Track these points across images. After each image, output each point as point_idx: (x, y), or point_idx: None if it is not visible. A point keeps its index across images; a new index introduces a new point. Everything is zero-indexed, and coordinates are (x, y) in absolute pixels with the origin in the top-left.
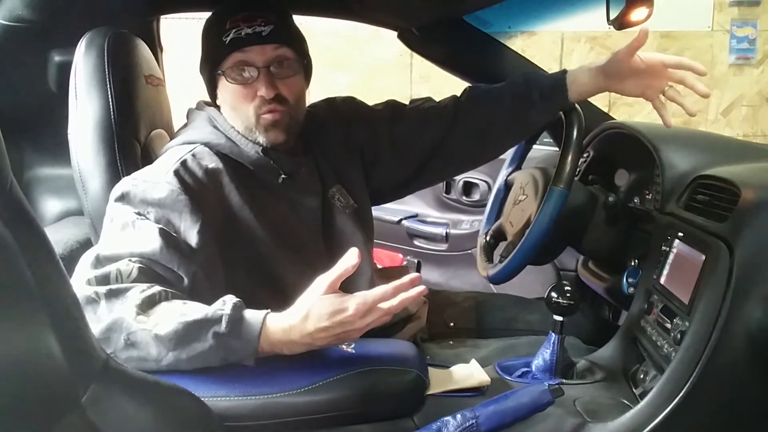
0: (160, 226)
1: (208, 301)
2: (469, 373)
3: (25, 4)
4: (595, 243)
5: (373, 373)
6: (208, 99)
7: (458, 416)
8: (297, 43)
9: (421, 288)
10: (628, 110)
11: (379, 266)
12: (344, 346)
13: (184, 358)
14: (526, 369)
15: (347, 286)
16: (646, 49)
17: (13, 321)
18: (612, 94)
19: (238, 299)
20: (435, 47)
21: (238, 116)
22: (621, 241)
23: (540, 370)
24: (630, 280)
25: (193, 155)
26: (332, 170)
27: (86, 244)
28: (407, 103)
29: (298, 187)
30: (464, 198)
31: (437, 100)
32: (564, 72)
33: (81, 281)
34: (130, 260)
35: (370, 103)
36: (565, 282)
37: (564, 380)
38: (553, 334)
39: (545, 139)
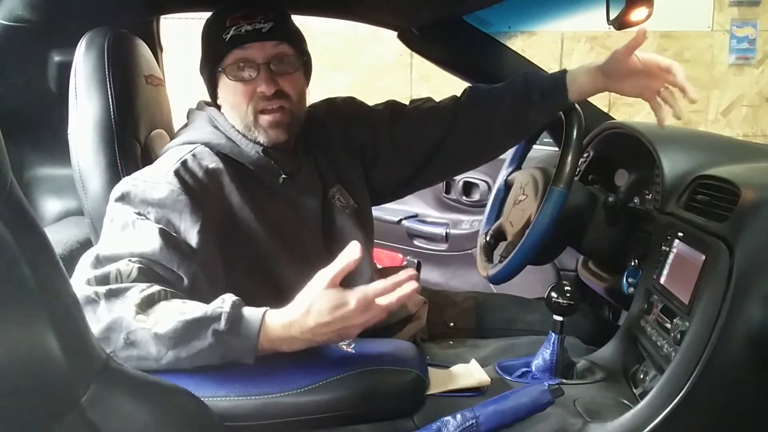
0: (160, 226)
1: (208, 301)
2: (469, 373)
3: (25, 4)
4: (595, 243)
5: (373, 373)
6: (208, 99)
7: (458, 416)
8: (297, 40)
9: (415, 285)
10: (628, 110)
11: (379, 266)
12: (344, 346)
13: (184, 356)
14: (526, 369)
15: (347, 285)
16: (646, 48)
17: (13, 321)
18: (612, 94)
19: (237, 297)
20: (435, 47)
21: (238, 114)
22: (621, 241)
23: (540, 370)
24: (630, 280)
25: (194, 155)
26: (332, 170)
27: (86, 244)
28: (407, 103)
29: (298, 187)
30: (464, 198)
31: (437, 100)
32: (564, 72)
33: (81, 281)
34: (129, 260)
35: (370, 103)
36: (565, 282)
37: (564, 380)
38: (553, 334)
39: (545, 139)
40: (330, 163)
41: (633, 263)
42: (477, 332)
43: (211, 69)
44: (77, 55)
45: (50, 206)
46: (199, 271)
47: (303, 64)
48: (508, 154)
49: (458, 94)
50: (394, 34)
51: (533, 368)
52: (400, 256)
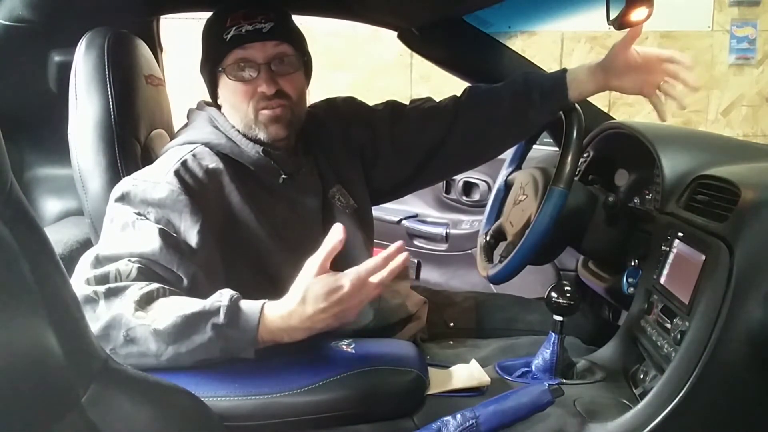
0: (160, 226)
1: None
2: (469, 373)
3: (25, 4)
4: (595, 243)
5: (373, 373)
6: (208, 99)
7: (458, 416)
8: (297, 40)
9: (405, 255)
10: (628, 110)
11: None
12: (344, 346)
13: (184, 351)
14: (526, 369)
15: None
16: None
17: (13, 321)
18: (612, 94)
19: (235, 292)
20: (435, 47)
21: (238, 114)
22: (621, 241)
23: (540, 370)
24: (630, 280)
25: (194, 155)
26: (332, 170)
27: (86, 244)
28: (407, 103)
29: (298, 187)
30: (464, 198)
31: (437, 100)
32: (564, 71)
33: (80, 281)
34: (129, 260)
35: (370, 103)
36: (565, 282)
37: (564, 380)
38: (553, 334)
39: (545, 139)
40: (330, 163)
41: (633, 263)
42: (477, 332)
43: (212, 69)
44: (77, 55)
45: (50, 206)
46: (198, 271)
47: (303, 64)
48: (508, 154)
49: (458, 94)
50: (394, 34)
51: (533, 368)
52: None
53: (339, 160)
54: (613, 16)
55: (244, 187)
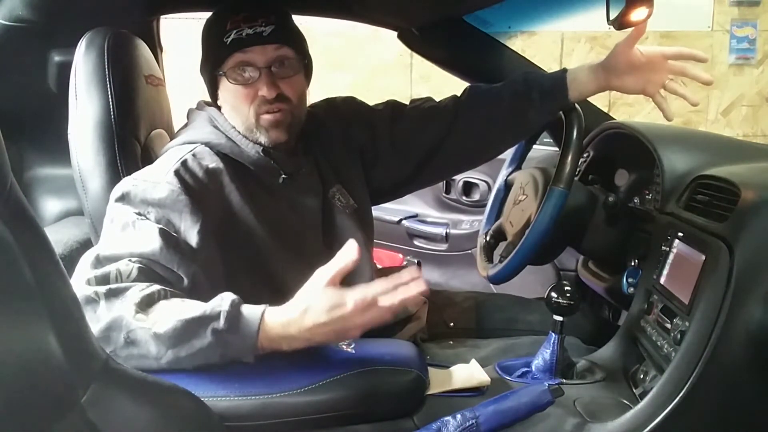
0: (161, 226)
1: (208, 301)
2: (469, 373)
3: (25, 4)
4: (595, 243)
5: (373, 373)
6: (208, 99)
7: (458, 416)
8: (298, 42)
9: (421, 285)
10: (628, 110)
11: (379, 266)
12: (344, 346)
13: (184, 355)
14: (526, 369)
15: (346, 285)
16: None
17: (13, 321)
18: (612, 94)
19: (235, 296)
20: (435, 47)
21: (239, 116)
22: (621, 241)
23: (540, 370)
24: (630, 280)
25: (194, 155)
26: (332, 170)
27: (86, 244)
28: (407, 103)
29: (298, 187)
30: (464, 198)
31: (437, 100)
32: (564, 71)
33: (81, 281)
34: (129, 260)
35: (370, 103)
36: (565, 282)
37: (564, 380)
38: (553, 334)
39: (545, 139)
40: (330, 163)
41: (633, 263)
42: (477, 332)
43: (212, 71)
44: (77, 55)
45: (50, 206)
46: (199, 271)
47: (304, 66)
48: (508, 154)
49: (458, 94)
50: (394, 34)
51: (533, 368)
52: (400, 256)
53: (339, 160)
54: (613, 16)
55: (244, 187)
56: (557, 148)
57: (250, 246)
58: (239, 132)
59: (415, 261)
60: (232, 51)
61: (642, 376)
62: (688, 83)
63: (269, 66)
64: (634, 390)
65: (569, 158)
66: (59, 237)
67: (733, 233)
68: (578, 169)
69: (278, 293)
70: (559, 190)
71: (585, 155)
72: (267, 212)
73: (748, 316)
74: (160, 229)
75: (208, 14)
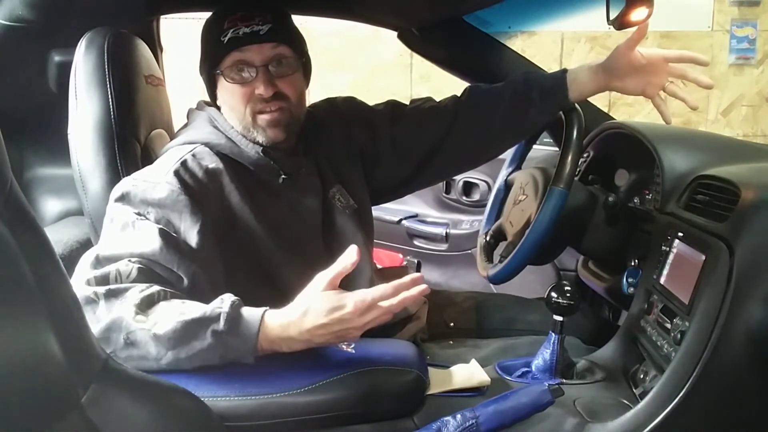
0: (160, 226)
1: (208, 302)
2: (469, 373)
3: (25, 4)
4: (595, 243)
5: (373, 373)
6: (208, 99)
7: (458, 416)
8: (295, 41)
9: (422, 287)
10: (628, 110)
11: (379, 266)
12: (344, 346)
13: (183, 356)
14: (526, 369)
15: (346, 286)
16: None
17: (13, 321)
18: (612, 94)
19: (236, 297)
20: (435, 47)
21: (237, 115)
22: (621, 241)
23: (540, 370)
24: (630, 280)
25: (194, 155)
26: (332, 170)
27: (86, 244)
28: (407, 103)
29: (298, 188)
30: (464, 198)
31: (437, 100)
32: (564, 71)
33: (81, 281)
34: (129, 260)
35: (370, 103)
36: (565, 282)
37: (564, 380)
38: (553, 334)
39: (545, 139)
40: (330, 163)
41: (633, 263)
42: (477, 332)
43: (210, 71)
44: (77, 55)
45: (50, 206)
46: (198, 271)
47: (302, 65)
48: (508, 154)
49: (458, 94)
50: (394, 34)
51: (533, 368)
52: (400, 256)
53: (339, 160)
54: (613, 16)
55: (243, 187)
56: (557, 148)
57: (249, 246)
58: (238, 132)
59: (415, 261)
60: (229, 50)
61: (642, 376)
62: (687, 85)
63: (266, 65)
64: (634, 390)
65: (569, 158)
66: (59, 237)
67: (733, 233)
68: (578, 169)
69: (278, 293)
70: (559, 190)
71: (585, 155)
72: (267, 212)
73: (748, 316)
74: (160, 229)
75: (207, 14)
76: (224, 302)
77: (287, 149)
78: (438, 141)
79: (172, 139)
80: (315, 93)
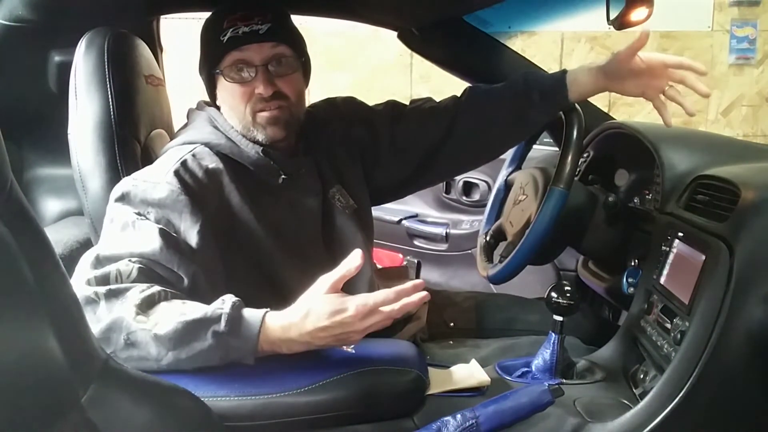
0: (160, 226)
1: (208, 302)
2: (469, 373)
3: (25, 4)
4: (595, 243)
5: (373, 373)
6: (208, 99)
7: (458, 416)
8: (295, 41)
9: (423, 294)
10: (628, 110)
11: (379, 266)
12: (344, 346)
13: (184, 357)
14: (526, 369)
15: (346, 286)
16: (646, 49)
17: (13, 321)
18: (612, 94)
19: (237, 298)
20: (435, 47)
21: (236, 115)
22: (621, 241)
23: (540, 370)
24: (630, 280)
25: (194, 155)
26: (332, 171)
27: (86, 244)
28: (407, 103)
29: (298, 188)
30: (464, 198)
31: (437, 100)
32: (564, 72)
33: (81, 281)
34: (129, 260)
35: (370, 103)
36: (565, 282)
37: (564, 380)
38: (553, 334)
39: (545, 139)
40: (330, 164)
41: (633, 263)
42: (477, 332)
43: (209, 70)
44: (77, 55)
45: (50, 206)
46: (199, 271)
47: (301, 64)
48: (508, 154)
49: (458, 94)
50: (394, 34)
51: (533, 368)
52: (400, 256)
53: (339, 161)
54: (613, 16)
55: (243, 188)
56: (557, 148)
57: (249, 246)
58: (238, 132)
59: (415, 261)
60: (229, 49)
61: (642, 376)
62: (686, 90)
63: (266, 64)
64: (634, 390)
65: (569, 158)
66: (59, 237)
67: (733, 233)
68: (578, 169)
69: (278, 293)
70: (559, 190)
71: (585, 155)
72: (267, 213)
73: (748, 316)
74: (160, 230)
75: (207, 14)
76: (225, 303)
77: (287, 149)
78: (438, 141)
79: (172, 139)
80: (315, 93)
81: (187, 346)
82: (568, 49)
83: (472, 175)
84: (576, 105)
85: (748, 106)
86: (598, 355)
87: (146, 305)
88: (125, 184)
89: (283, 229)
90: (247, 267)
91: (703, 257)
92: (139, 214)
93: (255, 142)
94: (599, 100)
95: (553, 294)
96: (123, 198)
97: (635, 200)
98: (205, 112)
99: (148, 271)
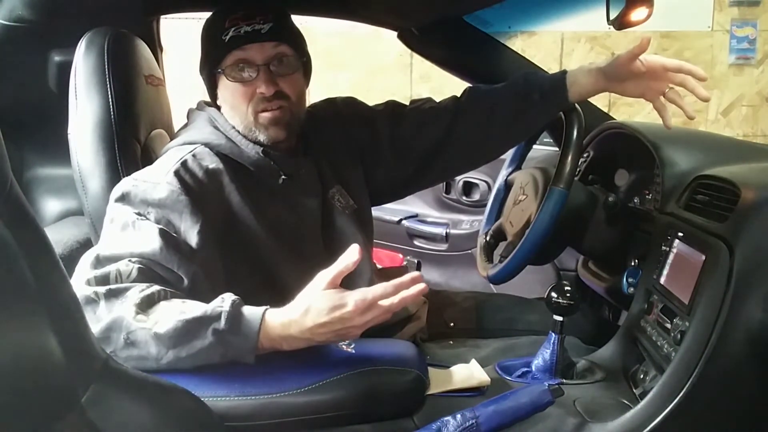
0: (160, 226)
1: (208, 302)
2: (469, 373)
3: (25, 4)
4: (595, 243)
5: (373, 373)
6: (208, 99)
7: (458, 416)
8: (296, 40)
9: (421, 286)
10: (628, 110)
11: (379, 266)
12: (344, 346)
13: (184, 355)
14: (526, 369)
15: (347, 286)
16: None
17: (13, 321)
18: (612, 94)
19: (236, 296)
20: (435, 47)
21: (238, 115)
22: (621, 241)
23: (540, 370)
24: (630, 280)
25: (194, 155)
26: (332, 171)
27: (86, 244)
28: (407, 103)
29: (298, 188)
30: (464, 198)
31: (437, 100)
32: (564, 72)
33: (81, 281)
34: (129, 260)
35: (370, 103)
36: (565, 282)
37: (564, 380)
38: (553, 334)
39: (545, 139)
40: (330, 164)
41: (633, 263)
42: (477, 332)
43: (211, 70)
44: (77, 55)
45: (50, 206)
46: (199, 271)
47: (302, 64)
48: (508, 154)
49: (458, 95)
50: (394, 34)
51: (533, 368)
52: (400, 256)
53: (339, 161)
54: (613, 16)
55: (243, 188)
56: (557, 148)
57: (249, 246)
58: (239, 132)
59: (415, 261)
60: (231, 49)
61: (642, 376)
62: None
63: (267, 63)
64: (634, 390)
65: (569, 158)
66: (59, 237)
67: (733, 233)
68: (578, 169)
69: (278, 293)
70: (559, 190)
71: (585, 155)
72: (267, 213)
73: (748, 316)
74: (160, 230)
75: (208, 14)
76: (225, 301)
77: (287, 150)
78: (438, 142)
79: (172, 139)
80: (315, 93)
81: (188, 345)
82: (568, 49)
83: (472, 175)
84: (576, 105)
85: (748, 106)
86: (598, 355)
87: (146, 304)
88: (125, 184)
89: (283, 230)
90: (247, 267)
91: (703, 257)
92: (139, 214)
93: (256, 142)
94: (599, 100)
95: (553, 294)
96: (123, 198)
97: (635, 200)
98: (205, 112)
99: (148, 271)
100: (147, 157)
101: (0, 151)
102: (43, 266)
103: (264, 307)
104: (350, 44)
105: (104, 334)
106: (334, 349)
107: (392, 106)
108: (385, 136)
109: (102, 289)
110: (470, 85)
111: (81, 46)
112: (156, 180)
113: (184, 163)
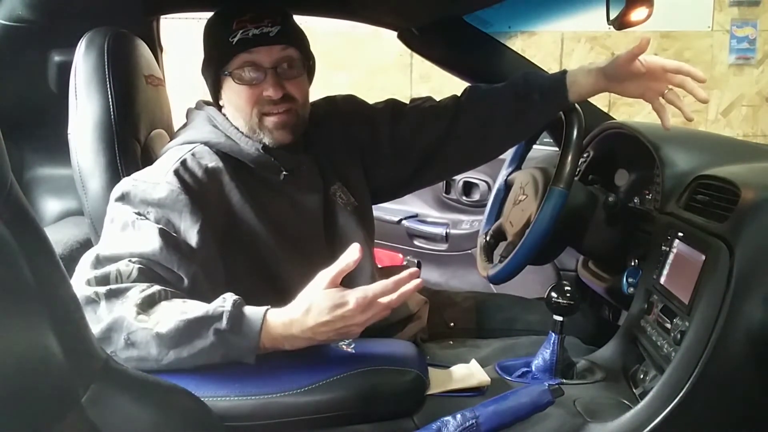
0: (160, 226)
1: (209, 301)
2: (469, 373)
3: (25, 4)
4: (595, 243)
5: (373, 373)
6: (208, 99)
7: (458, 416)
8: (303, 43)
9: (417, 281)
10: (628, 110)
11: (379, 266)
12: (344, 346)
13: (185, 356)
14: (526, 369)
15: (348, 284)
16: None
17: (13, 321)
18: (612, 94)
19: (237, 296)
20: (435, 47)
21: (242, 117)
22: (621, 241)
23: (540, 370)
24: (630, 280)
25: (193, 155)
26: (333, 168)
27: (86, 244)
28: (407, 102)
29: (299, 185)
30: (464, 198)
31: (437, 100)
32: (564, 72)
33: (81, 281)
34: (130, 260)
35: (370, 102)
36: (565, 282)
37: (564, 380)
38: (553, 334)
39: (545, 139)
40: (331, 161)
41: (633, 263)
42: (477, 332)
43: (216, 71)
44: (77, 55)
45: (50, 206)
46: (199, 270)
47: (308, 66)
48: (508, 154)
49: (458, 94)
50: (394, 34)
51: (533, 368)
52: (400, 256)
53: (339, 158)
54: (613, 16)
55: (244, 185)
56: (557, 148)
57: (251, 244)
58: (242, 133)
59: (415, 261)
60: (238, 51)
61: (642, 376)
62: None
63: (275, 66)
64: (634, 390)
65: (569, 158)
66: (59, 237)
67: (733, 233)
68: (578, 169)
69: (280, 291)
70: (559, 190)
71: (585, 155)
72: (268, 210)
73: (748, 316)
74: (160, 229)
75: (208, 14)
76: (226, 301)
77: (288, 146)
78: (438, 141)
79: (172, 139)
80: (315, 93)
81: (189, 345)
82: (568, 49)
83: (472, 175)
84: (576, 105)
85: (748, 106)
86: (598, 355)
87: (147, 304)
88: (125, 184)
89: (284, 226)
90: (248, 265)
91: (703, 257)
92: (139, 214)
93: (257, 142)
94: (599, 100)
95: (553, 294)
96: (123, 198)
97: (635, 200)
98: (204, 111)
99: (148, 271)
100: (147, 157)
101: (0, 152)
102: (43, 266)
103: (265, 307)
104: (350, 44)
105: (105, 334)
106: (334, 348)
107: (392, 105)
108: (385, 134)
109: (102, 290)
110: (470, 85)
111: (81, 46)
112: (156, 180)
113: (183, 163)
